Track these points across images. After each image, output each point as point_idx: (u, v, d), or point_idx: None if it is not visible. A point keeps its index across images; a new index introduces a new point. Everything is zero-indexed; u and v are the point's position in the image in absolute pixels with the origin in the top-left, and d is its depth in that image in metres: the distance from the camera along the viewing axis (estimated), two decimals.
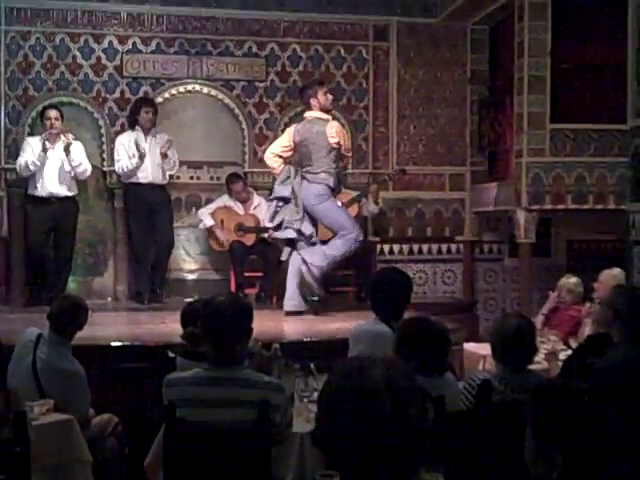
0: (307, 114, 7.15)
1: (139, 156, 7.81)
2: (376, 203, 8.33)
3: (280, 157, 7.21)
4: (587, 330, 5.42)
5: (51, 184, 7.71)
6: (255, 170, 8.61)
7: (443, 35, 9.01)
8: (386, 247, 8.95)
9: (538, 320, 5.75)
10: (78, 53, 8.38)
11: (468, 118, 9.09)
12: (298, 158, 7.18)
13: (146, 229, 8.00)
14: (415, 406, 1.53)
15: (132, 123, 8.08)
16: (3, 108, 8.19)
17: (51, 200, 7.73)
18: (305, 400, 3.86)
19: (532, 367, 3.77)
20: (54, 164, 7.68)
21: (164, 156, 7.86)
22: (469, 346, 6.12)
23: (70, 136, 7.66)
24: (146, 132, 7.99)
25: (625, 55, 5.91)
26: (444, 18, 8.82)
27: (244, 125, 8.70)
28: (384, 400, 1.50)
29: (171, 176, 8.18)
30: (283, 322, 6.78)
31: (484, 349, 5.31)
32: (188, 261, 8.74)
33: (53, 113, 7.71)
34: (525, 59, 7.73)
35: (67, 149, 7.62)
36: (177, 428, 3.19)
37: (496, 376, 3.57)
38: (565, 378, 4.00)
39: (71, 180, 7.80)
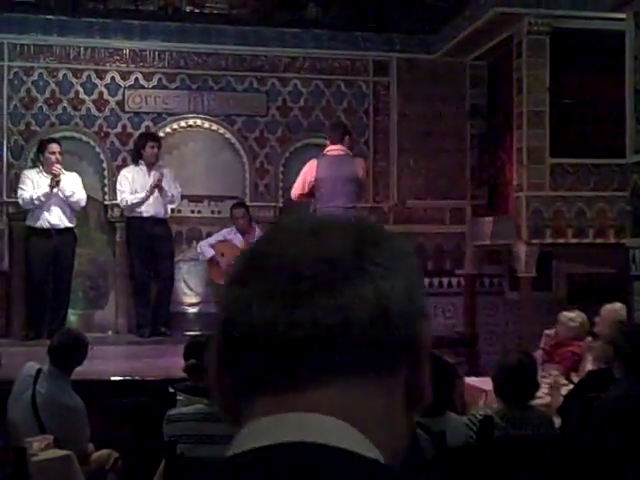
0: (330, 151, 7.20)
1: (148, 193, 7.83)
2: None
3: (308, 195, 7.25)
4: (588, 365, 5.40)
5: (51, 216, 7.74)
6: (256, 204, 8.63)
7: (443, 70, 9.08)
8: None
9: (538, 355, 5.74)
10: (80, 88, 8.45)
11: (468, 152, 9.14)
12: (318, 195, 7.18)
13: (147, 263, 8.01)
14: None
15: (136, 157, 8.11)
16: (6, 142, 8.25)
17: (50, 232, 7.75)
18: None
19: (534, 402, 3.76)
20: (53, 196, 7.72)
21: (159, 188, 7.87)
22: (470, 380, 6.10)
23: (59, 167, 7.68)
24: (149, 167, 8.02)
25: (624, 89, 5.96)
26: (443, 54, 8.90)
27: (245, 159, 8.75)
28: None
29: (172, 210, 8.20)
30: None
31: (485, 384, 5.29)
32: (189, 294, 8.74)
33: (58, 148, 7.75)
34: (524, 94, 7.79)
35: (57, 182, 7.65)
36: (177, 464, 3.17)
37: (498, 412, 3.56)
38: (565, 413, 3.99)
39: (70, 211, 7.83)
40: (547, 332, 6.13)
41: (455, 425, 3.48)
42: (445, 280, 9.10)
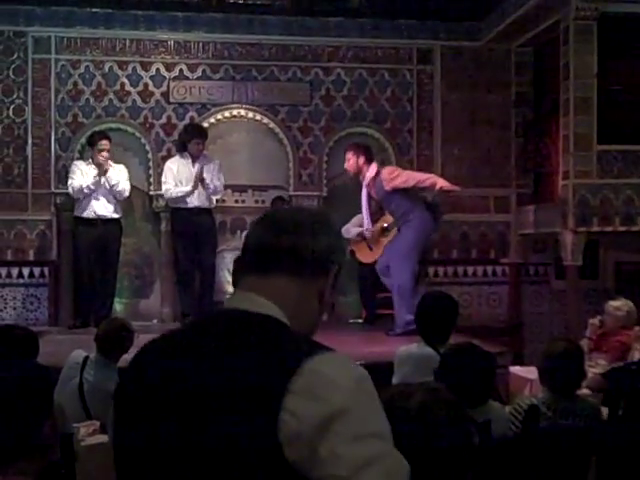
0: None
1: (192, 185, 7.88)
2: None
3: None
4: (636, 355, 5.32)
5: (98, 206, 7.85)
6: (300, 193, 8.64)
7: (487, 58, 8.99)
8: (430, 269, 8.91)
9: (584, 344, 5.66)
10: (126, 80, 8.53)
11: (513, 140, 9.03)
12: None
13: (191, 252, 8.06)
14: (450, 436, 1.52)
15: (181, 148, 8.16)
16: (53, 134, 8.37)
17: (97, 222, 7.86)
18: None
19: (580, 392, 3.72)
20: (100, 187, 7.83)
21: (201, 181, 7.90)
22: (515, 370, 6.05)
23: (105, 156, 7.80)
24: (194, 158, 8.06)
25: None
26: (489, 41, 8.82)
27: (289, 149, 8.76)
28: (416, 427, 1.50)
29: (217, 200, 8.24)
30: (328, 343, 6.76)
31: (530, 373, 5.25)
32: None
33: (107, 145, 7.84)
34: (571, 81, 7.68)
35: (105, 171, 7.79)
36: None
37: (544, 401, 3.52)
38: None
39: (116, 202, 7.93)
40: (592, 321, 6.05)
41: (499, 414, 3.44)
42: (489, 269, 9.03)
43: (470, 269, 8.99)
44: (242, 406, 1.29)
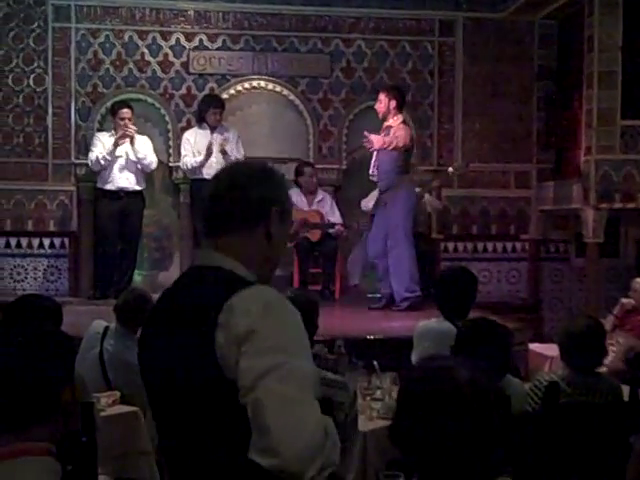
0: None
1: (206, 154, 7.85)
2: (438, 198, 8.31)
3: None
4: None
5: (120, 178, 7.84)
6: (319, 166, 8.59)
7: (510, 30, 8.87)
8: (450, 245, 8.86)
9: (608, 322, 5.62)
10: (146, 50, 8.49)
11: (535, 114, 8.94)
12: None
13: None
14: (497, 409, 1.52)
15: (199, 119, 8.14)
16: (73, 104, 8.36)
17: (120, 194, 7.86)
18: (368, 398, 3.85)
19: (601, 369, 3.69)
20: (123, 158, 7.82)
21: (223, 152, 7.88)
22: (534, 347, 6.04)
23: (133, 129, 7.77)
24: (213, 129, 8.04)
25: None
26: (511, 12, 8.69)
27: (309, 121, 8.71)
28: (468, 402, 1.49)
29: None
30: (346, 319, 6.77)
31: (550, 350, 5.24)
32: None
33: (128, 113, 7.82)
34: (595, 54, 7.57)
35: (131, 141, 7.76)
36: None
37: (564, 378, 3.50)
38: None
39: (139, 174, 7.92)
40: (624, 300, 5.99)
41: (517, 391, 3.43)
42: (509, 245, 8.97)
43: (490, 245, 8.94)
44: (188, 334, 1.71)
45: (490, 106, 8.88)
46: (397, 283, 7.21)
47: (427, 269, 8.21)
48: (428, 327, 4.20)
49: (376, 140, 7.10)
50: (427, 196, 8.30)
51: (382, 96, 7.33)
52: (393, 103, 7.27)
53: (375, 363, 4.05)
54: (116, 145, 7.76)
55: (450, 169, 8.11)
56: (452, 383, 1.53)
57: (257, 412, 1.54)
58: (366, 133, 7.18)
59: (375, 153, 7.38)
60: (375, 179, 7.46)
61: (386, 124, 7.29)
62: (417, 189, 8.18)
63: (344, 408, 3.17)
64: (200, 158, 7.89)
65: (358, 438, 3.40)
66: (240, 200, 1.85)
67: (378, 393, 3.92)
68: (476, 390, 1.52)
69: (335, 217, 8.28)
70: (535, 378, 3.66)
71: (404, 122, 7.35)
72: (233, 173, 1.94)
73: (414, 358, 4.13)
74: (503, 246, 8.95)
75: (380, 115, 7.36)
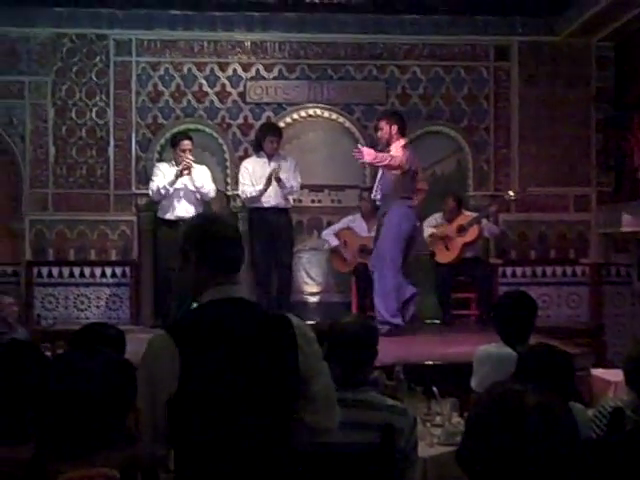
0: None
1: (265, 184, 7.93)
2: (495, 224, 8.27)
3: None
4: None
5: (179, 208, 7.96)
6: None
7: (566, 53, 8.81)
8: (508, 270, 8.78)
9: None
10: (204, 81, 8.65)
11: (593, 137, 8.84)
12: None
13: (269, 252, 8.11)
14: (567, 435, 1.51)
15: (257, 148, 8.24)
16: (134, 136, 8.54)
17: (179, 223, 7.97)
18: (428, 424, 3.82)
19: None
20: (182, 189, 7.94)
21: (277, 180, 7.94)
22: (597, 372, 5.92)
23: (191, 159, 7.90)
24: (270, 157, 8.12)
25: None
26: (568, 35, 8.64)
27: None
28: (537, 426, 1.49)
29: (293, 199, 8.28)
30: (405, 345, 6.74)
31: (614, 375, 5.14)
32: (310, 284, 8.83)
33: (189, 145, 7.94)
34: None
35: (189, 171, 7.89)
36: (300, 450, 3.20)
37: (629, 404, 3.44)
38: None
39: (198, 203, 8.03)
40: None
41: (581, 417, 3.38)
42: (569, 269, 8.85)
43: (549, 269, 8.83)
44: (273, 354, 2.33)
45: (547, 129, 8.81)
46: (379, 305, 7.12)
47: (484, 294, 8.16)
48: (488, 352, 4.17)
49: (367, 152, 7.00)
50: (484, 221, 8.27)
51: (382, 123, 7.30)
52: (394, 128, 7.24)
53: (434, 389, 4.03)
54: (177, 177, 7.89)
55: (510, 192, 8.07)
56: (520, 407, 1.52)
57: (328, 391, 2.52)
58: (359, 145, 7.14)
59: (378, 176, 7.39)
60: (378, 202, 7.48)
61: (389, 149, 7.25)
62: (474, 214, 8.17)
63: (404, 434, 3.16)
64: (260, 187, 7.97)
65: (418, 464, 3.37)
66: (241, 243, 2.47)
67: (438, 419, 3.89)
68: (545, 415, 1.52)
69: None
70: (599, 404, 3.60)
71: (405, 145, 7.29)
72: (232, 221, 2.54)
73: (474, 383, 4.10)
74: (563, 270, 8.82)
75: (384, 142, 7.30)
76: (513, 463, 1.49)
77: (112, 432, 1.77)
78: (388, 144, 7.23)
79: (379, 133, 7.33)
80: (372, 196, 7.54)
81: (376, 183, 7.45)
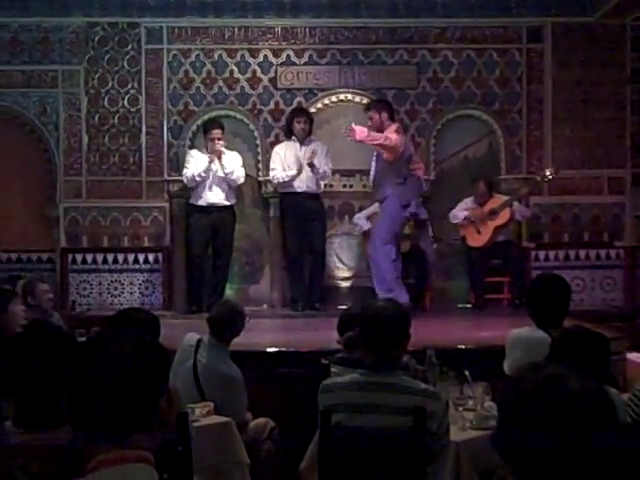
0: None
1: (297, 169, 7.95)
2: (527, 206, 8.21)
3: None
4: None
5: (211, 194, 8.02)
6: None
7: (600, 34, 8.69)
8: (541, 253, 8.71)
9: None
10: (235, 68, 8.66)
11: (628, 119, 8.71)
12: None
13: (301, 237, 8.13)
14: (608, 420, 1.50)
15: (288, 133, 8.25)
16: (166, 123, 8.59)
17: (211, 209, 8.03)
18: (460, 408, 3.82)
19: None
20: (214, 175, 7.98)
21: (311, 165, 7.95)
22: (633, 356, 5.86)
23: (221, 144, 7.93)
24: (301, 141, 8.13)
25: None
26: (602, 16, 8.51)
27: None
28: (579, 411, 1.48)
29: (324, 184, 8.28)
30: (438, 328, 6.73)
31: None
32: (341, 269, 8.83)
33: (219, 133, 7.98)
34: None
35: (219, 157, 7.92)
36: (332, 434, 3.22)
37: None
38: None
39: (229, 189, 8.07)
40: None
41: (615, 401, 3.35)
42: (603, 252, 8.75)
43: (582, 253, 8.74)
44: None
45: (581, 111, 8.71)
46: (378, 284, 7.25)
47: (517, 278, 8.11)
48: (520, 336, 4.15)
49: (359, 131, 7.00)
50: (516, 204, 8.20)
51: (371, 113, 7.35)
52: (385, 115, 7.30)
53: (467, 373, 4.02)
54: (210, 162, 7.93)
55: (547, 171, 8.03)
56: (565, 393, 1.51)
57: None
58: (353, 124, 7.13)
59: (374, 163, 7.42)
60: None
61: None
62: (505, 198, 8.14)
63: (436, 418, 3.16)
64: (292, 172, 7.99)
65: (450, 448, 3.37)
66: None
67: (470, 403, 3.88)
68: (589, 400, 1.51)
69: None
70: (635, 388, 3.56)
71: (398, 129, 7.33)
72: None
73: (506, 367, 4.08)
74: (597, 253, 8.73)
75: (375, 131, 7.28)
76: (554, 448, 1.48)
77: (145, 415, 1.78)
78: (380, 132, 7.24)
79: (369, 123, 7.33)
80: (371, 184, 7.67)
81: (372, 168, 7.49)
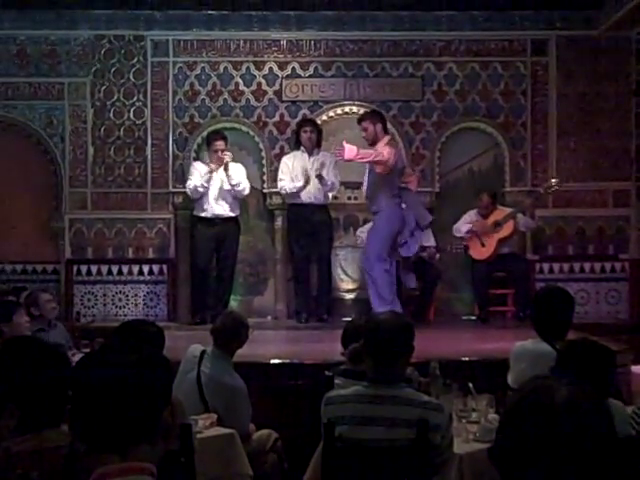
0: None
1: (304, 181, 7.96)
2: (532, 218, 8.21)
3: None
4: None
5: (216, 206, 8.02)
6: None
7: (605, 46, 8.71)
8: (545, 266, 8.71)
9: None
10: (240, 80, 8.69)
11: (633, 131, 8.72)
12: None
13: (307, 249, 8.13)
14: (599, 431, 1.49)
15: (296, 143, 8.27)
16: (171, 135, 8.62)
17: (215, 221, 8.03)
18: (464, 421, 3.81)
19: None
20: (217, 186, 7.99)
21: (319, 177, 7.97)
22: (638, 369, 5.86)
23: (229, 154, 7.93)
24: (309, 152, 8.14)
25: None
26: (607, 29, 8.53)
27: (401, 145, 8.71)
28: (567, 422, 1.48)
29: (334, 197, 8.30)
30: (442, 341, 6.73)
31: None
32: (346, 280, 8.83)
33: (222, 145, 7.99)
34: None
35: (226, 167, 7.92)
36: (336, 446, 3.22)
37: None
38: None
39: (233, 201, 8.08)
40: None
41: (620, 414, 3.34)
42: (608, 265, 8.75)
43: (587, 265, 8.73)
44: None
45: (585, 124, 8.72)
46: (374, 299, 7.18)
47: (521, 290, 8.10)
48: (524, 348, 4.14)
49: (348, 150, 6.99)
50: (520, 216, 8.20)
51: (366, 124, 7.31)
52: (379, 127, 7.28)
53: (470, 385, 4.01)
54: (211, 172, 7.94)
55: (552, 181, 8.03)
56: (550, 404, 1.51)
57: None
58: (344, 142, 7.12)
59: (366, 175, 7.43)
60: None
61: (376, 149, 7.25)
62: (509, 210, 8.14)
63: (440, 430, 3.16)
64: (299, 184, 8.00)
65: (454, 461, 3.37)
66: None
67: (474, 415, 3.88)
68: (575, 411, 1.50)
69: (430, 241, 8.23)
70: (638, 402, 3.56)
71: (390, 142, 7.35)
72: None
73: (510, 380, 4.07)
74: (601, 266, 8.73)
75: (369, 142, 7.30)
76: (544, 460, 1.48)
77: (148, 427, 1.78)
78: (374, 143, 7.25)
79: (364, 134, 7.32)
80: (364, 195, 7.70)
81: (364, 181, 7.51)
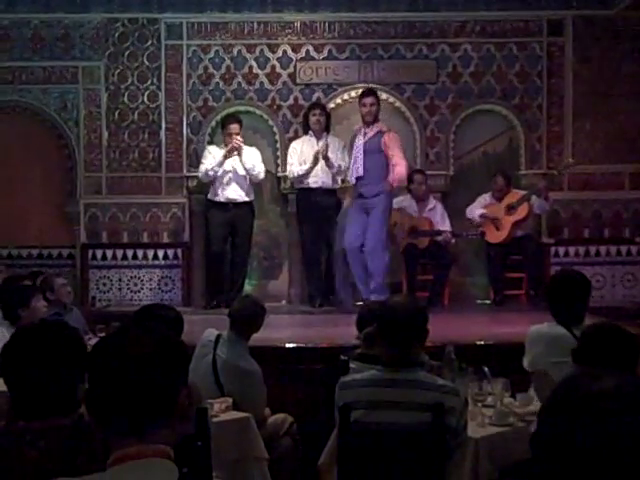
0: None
1: (312, 163, 7.93)
2: (546, 200, 8.15)
3: None
4: None
5: (229, 190, 8.00)
6: (429, 172, 8.51)
7: (623, 26, 8.61)
8: (561, 249, 8.66)
9: None
10: (254, 63, 8.66)
11: None
12: None
13: (317, 233, 8.11)
14: None
15: (305, 128, 8.24)
16: (185, 119, 8.60)
17: (229, 205, 8.02)
18: (479, 404, 3.80)
19: None
20: (232, 171, 7.97)
21: (325, 159, 7.92)
22: None
23: (240, 140, 7.91)
24: (318, 136, 8.10)
25: None
26: (623, 9, 8.43)
27: (415, 128, 8.68)
28: (613, 410, 1.46)
29: (343, 180, 8.26)
30: (456, 325, 6.71)
31: None
32: None
33: (236, 128, 7.96)
34: None
35: (239, 153, 7.90)
36: (351, 430, 3.22)
37: None
38: None
39: (248, 185, 8.06)
40: None
41: None
42: (624, 248, 8.69)
43: (603, 249, 8.68)
44: None
45: (601, 105, 8.64)
46: (361, 284, 7.40)
47: (536, 274, 8.06)
48: (540, 332, 4.12)
49: (393, 181, 7.41)
50: (534, 198, 8.14)
51: (372, 99, 7.56)
52: (379, 108, 7.59)
53: (486, 369, 4.00)
54: (225, 158, 7.92)
55: (570, 160, 8.02)
56: (597, 389, 1.49)
57: None
58: (386, 184, 7.39)
59: (361, 157, 7.49)
60: (353, 181, 7.68)
61: (377, 126, 7.46)
62: (523, 192, 8.11)
63: (455, 413, 3.16)
64: (306, 167, 7.97)
65: (469, 444, 3.36)
66: None
67: (489, 399, 3.87)
68: (622, 398, 1.48)
69: (445, 226, 8.19)
70: None
71: (395, 137, 7.57)
72: None
73: (526, 363, 4.06)
74: (617, 249, 8.67)
75: (372, 118, 7.49)
76: (590, 450, 1.46)
77: (165, 410, 1.78)
78: (375, 120, 7.46)
79: (373, 109, 7.52)
80: (349, 179, 7.80)
81: (358, 163, 7.54)
